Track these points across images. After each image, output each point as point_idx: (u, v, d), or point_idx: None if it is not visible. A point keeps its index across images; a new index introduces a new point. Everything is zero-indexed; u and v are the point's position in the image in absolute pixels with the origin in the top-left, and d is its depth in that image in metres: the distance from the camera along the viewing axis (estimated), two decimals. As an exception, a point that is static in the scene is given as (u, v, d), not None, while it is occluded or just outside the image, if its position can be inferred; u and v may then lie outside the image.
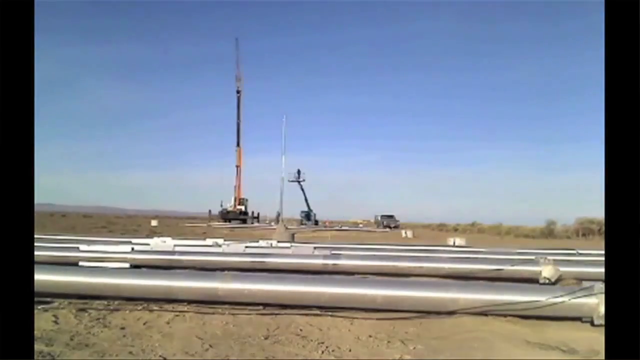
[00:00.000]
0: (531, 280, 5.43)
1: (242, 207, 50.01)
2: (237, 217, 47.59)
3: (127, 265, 4.92)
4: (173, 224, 35.42)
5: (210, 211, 50.52)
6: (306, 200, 52.82)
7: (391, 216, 49.85)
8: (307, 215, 51.72)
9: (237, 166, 50.28)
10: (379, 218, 50.38)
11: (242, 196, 51.20)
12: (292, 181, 51.66)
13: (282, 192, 31.34)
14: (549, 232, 28.66)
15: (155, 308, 3.98)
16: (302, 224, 47.62)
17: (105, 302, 4.08)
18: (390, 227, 40.35)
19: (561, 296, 3.63)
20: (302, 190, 52.81)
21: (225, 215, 47.74)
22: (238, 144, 50.40)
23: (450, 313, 3.78)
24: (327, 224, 51.22)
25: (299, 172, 52.37)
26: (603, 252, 5.81)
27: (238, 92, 50.16)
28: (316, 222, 50.61)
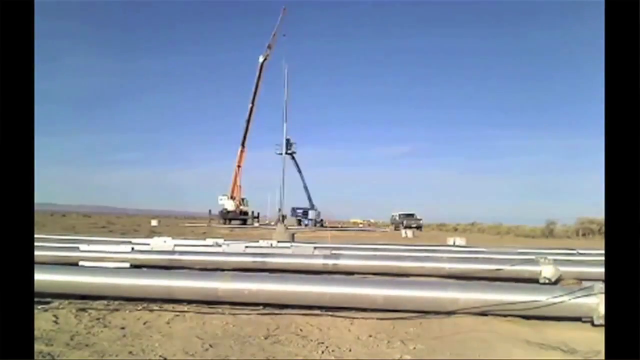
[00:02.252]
0: (531, 280, 5.43)
1: (243, 207, 47.06)
2: (237, 217, 45.41)
3: (127, 265, 4.91)
4: (173, 224, 35.42)
5: (210, 211, 47.63)
6: (305, 188, 47.64)
7: (411, 214, 41.22)
8: (306, 213, 46.56)
9: (238, 166, 46.63)
10: (396, 217, 42.07)
11: (242, 196, 47.74)
12: (280, 154, 42.00)
13: (283, 176, 25.69)
14: (549, 232, 28.65)
15: (155, 308, 3.98)
16: (299, 224, 43.41)
17: (105, 302, 4.09)
18: (411, 228, 31.18)
19: (561, 296, 3.63)
20: (299, 171, 46.67)
21: (225, 215, 45.21)
22: (243, 144, 45.82)
23: (450, 313, 3.79)
24: (326, 223, 50.61)
25: (288, 142, 40.93)
26: (603, 252, 5.81)
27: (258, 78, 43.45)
28: (321, 223, 44.43)
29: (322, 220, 45.58)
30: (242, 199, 48.07)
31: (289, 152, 44.28)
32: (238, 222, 44.09)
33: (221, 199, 47.24)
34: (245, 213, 47.59)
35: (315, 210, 47.09)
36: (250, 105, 44.60)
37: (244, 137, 45.74)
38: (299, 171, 48.07)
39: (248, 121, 45.14)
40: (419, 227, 37.34)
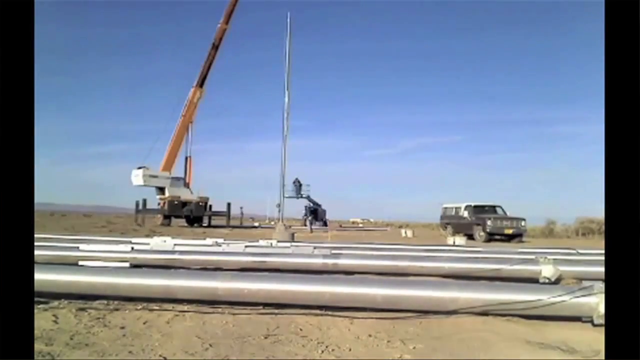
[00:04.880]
0: (531, 280, 5.43)
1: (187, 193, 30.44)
2: (193, 214, 30.09)
3: (127, 264, 4.91)
4: (172, 223, 35.25)
5: (138, 203, 29.00)
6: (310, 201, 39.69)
7: (493, 208, 21.52)
8: (314, 211, 38.81)
9: (184, 116, 30.22)
10: (461, 213, 22.07)
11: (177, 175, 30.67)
12: (290, 197, 35.59)
13: (283, 164, 18.46)
14: (549, 232, 28.64)
15: (155, 307, 3.98)
16: (304, 225, 34.48)
17: (105, 302, 4.09)
18: (502, 237, 19.39)
19: (561, 295, 3.63)
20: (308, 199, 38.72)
21: (173, 210, 29.35)
22: (202, 84, 30.45)
23: (450, 312, 3.79)
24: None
25: (298, 183, 37.33)
26: (603, 251, 5.81)
27: None
28: (325, 223, 38.60)
29: (326, 220, 39.95)
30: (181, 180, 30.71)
31: (301, 195, 38.22)
32: (198, 220, 30.42)
33: (136, 175, 28.76)
34: (205, 205, 30.99)
35: (323, 209, 40.30)
36: (214, 42, 30.08)
37: (204, 77, 30.60)
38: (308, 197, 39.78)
39: (211, 60, 30.65)
40: (518, 236, 19.36)
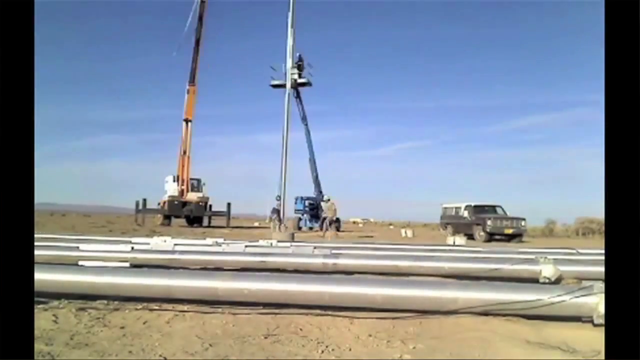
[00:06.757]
0: (531, 280, 5.42)
1: (195, 194, 30.38)
2: (193, 214, 30.20)
3: (127, 264, 4.91)
4: (172, 223, 35.27)
5: (138, 203, 29.31)
6: (313, 161, 29.82)
7: (493, 208, 21.68)
8: (314, 207, 29.39)
9: (186, 120, 29.79)
10: (461, 213, 22.36)
11: (190, 176, 30.58)
12: (276, 86, 21.95)
13: (287, 125, 16.49)
14: (549, 232, 28.68)
15: (155, 307, 3.98)
16: (299, 227, 28.19)
17: (105, 302, 4.09)
18: (502, 237, 19.76)
19: (561, 295, 3.63)
20: (306, 124, 28.55)
21: (173, 210, 29.43)
22: (192, 80, 29.47)
23: (450, 312, 3.79)
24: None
25: (300, 60, 21.47)
26: (603, 251, 5.82)
27: None
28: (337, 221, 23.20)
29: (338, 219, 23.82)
30: (195, 182, 31.21)
31: (304, 81, 22.83)
32: (198, 219, 30.52)
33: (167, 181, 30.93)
34: (206, 206, 30.73)
35: (328, 199, 24.57)
36: (196, 36, 29.09)
37: (193, 71, 29.52)
38: (306, 124, 28.70)
39: (197, 42, 29.25)
40: (518, 236, 19.82)
